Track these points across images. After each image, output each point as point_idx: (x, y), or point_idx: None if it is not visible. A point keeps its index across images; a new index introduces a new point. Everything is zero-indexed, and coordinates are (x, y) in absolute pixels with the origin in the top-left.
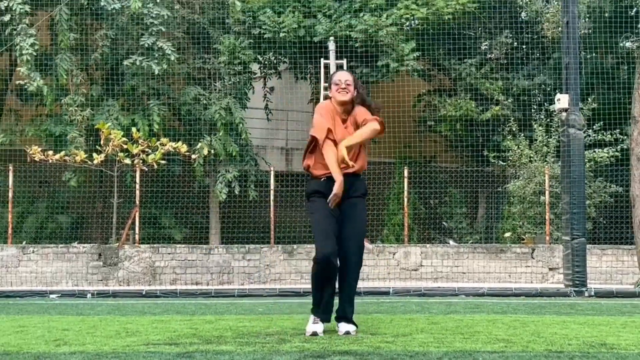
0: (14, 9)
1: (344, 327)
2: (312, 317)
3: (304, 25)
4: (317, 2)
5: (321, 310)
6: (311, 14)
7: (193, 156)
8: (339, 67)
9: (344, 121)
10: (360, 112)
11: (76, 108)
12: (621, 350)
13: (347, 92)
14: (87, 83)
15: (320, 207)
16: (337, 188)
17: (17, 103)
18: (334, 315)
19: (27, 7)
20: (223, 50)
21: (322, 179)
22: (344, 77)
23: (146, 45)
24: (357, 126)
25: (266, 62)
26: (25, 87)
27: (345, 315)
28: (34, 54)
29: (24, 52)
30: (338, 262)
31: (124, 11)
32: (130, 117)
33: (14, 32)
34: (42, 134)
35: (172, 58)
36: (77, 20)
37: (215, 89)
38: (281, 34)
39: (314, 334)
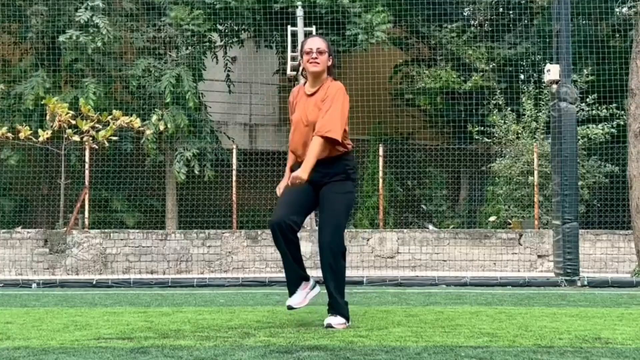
0: None
1: (327, 319)
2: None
3: None
4: None
5: (291, 282)
6: None
7: (147, 131)
8: (308, 34)
9: (309, 95)
10: (325, 107)
11: None
12: (617, 344)
13: (318, 63)
14: (9, 52)
15: (286, 187)
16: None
17: None
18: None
19: None
20: (171, 21)
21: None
22: (315, 44)
23: (81, 21)
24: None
25: (227, 30)
26: None
27: (332, 306)
28: None
29: None
30: (294, 227)
31: None
32: (73, 92)
33: None
34: None
35: (106, 38)
36: None
37: (169, 60)
38: (233, 3)
39: (289, 307)
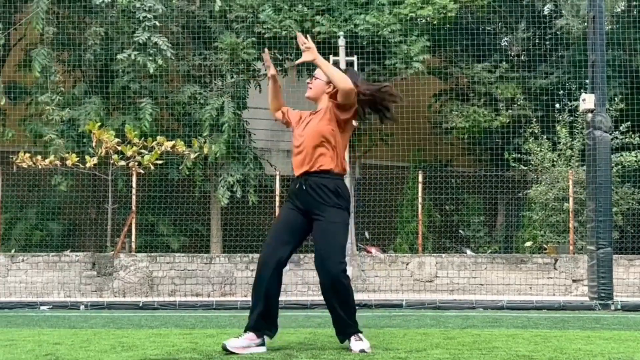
0: None
1: (356, 345)
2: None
3: (309, 20)
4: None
5: (252, 321)
6: (313, 9)
7: (192, 156)
8: (349, 65)
9: (314, 113)
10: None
11: (54, 107)
12: None
13: (310, 89)
14: (66, 80)
15: (282, 213)
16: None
17: (6, 103)
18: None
19: None
20: (224, 47)
21: (297, 180)
22: (316, 72)
23: (140, 41)
24: (334, 109)
25: (271, 60)
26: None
27: (352, 332)
28: None
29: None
30: (277, 270)
31: (115, 5)
32: (122, 118)
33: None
34: (29, 134)
35: (169, 54)
36: (64, 14)
37: (215, 88)
38: (283, 33)
39: (223, 347)
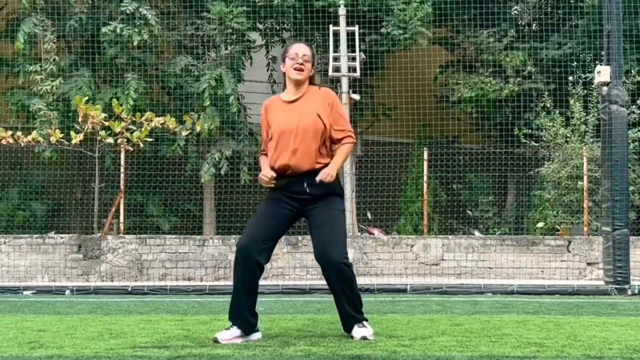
0: None
1: (358, 332)
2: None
3: None
4: None
5: (236, 315)
6: None
7: (183, 133)
8: (350, 35)
9: (291, 102)
10: (336, 114)
11: (43, 77)
12: None
13: (303, 70)
14: (56, 50)
15: (268, 202)
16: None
17: None
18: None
19: None
20: (213, 17)
21: (282, 176)
22: (301, 50)
23: (127, 11)
24: (329, 112)
25: (267, 30)
26: None
27: (357, 319)
28: None
29: None
30: (259, 260)
31: None
32: (112, 91)
33: None
34: (14, 107)
35: (155, 31)
36: None
37: (209, 59)
38: (277, 1)
39: (215, 340)
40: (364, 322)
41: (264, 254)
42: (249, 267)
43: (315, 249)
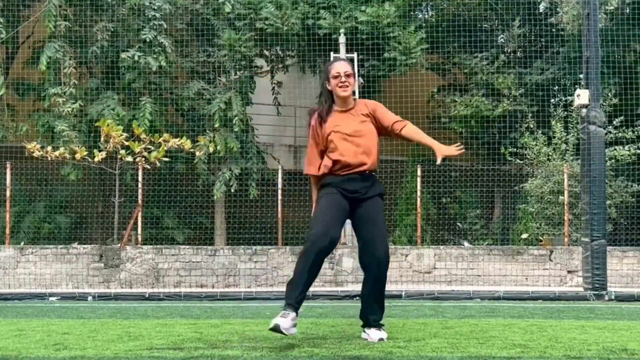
0: None
1: (376, 334)
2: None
3: (312, 17)
4: None
5: (293, 296)
6: (315, 6)
7: (197, 153)
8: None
9: (346, 110)
10: (384, 112)
11: (65, 99)
12: None
13: (348, 86)
14: (77, 74)
15: (328, 196)
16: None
17: (14, 98)
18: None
19: None
20: (223, 43)
21: (342, 175)
22: (343, 68)
23: (146, 39)
24: (373, 119)
25: (273, 56)
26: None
27: (377, 321)
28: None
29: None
30: (329, 250)
31: (124, 3)
32: (131, 113)
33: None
34: (41, 128)
35: (170, 59)
36: (75, 11)
37: (220, 84)
38: (285, 28)
39: (275, 328)
40: (382, 327)
41: (334, 243)
42: (320, 259)
43: (364, 243)
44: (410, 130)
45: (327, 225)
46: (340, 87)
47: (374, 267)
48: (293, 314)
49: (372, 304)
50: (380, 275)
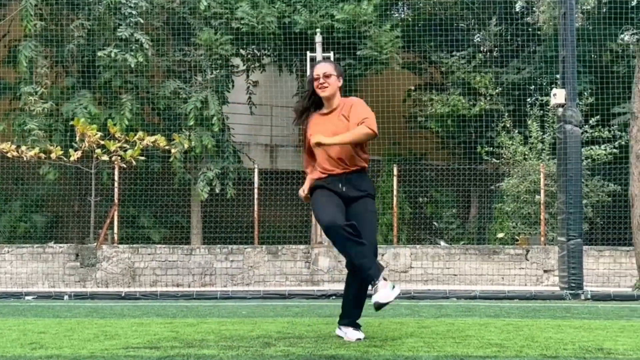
0: None
1: (353, 334)
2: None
3: (288, 16)
4: None
5: (375, 266)
6: (291, 5)
7: (172, 150)
8: (325, 60)
9: (326, 114)
10: (356, 110)
11: (36, 99)
12: (619, 355)
13: (327, 86)
14: (53, 73)
15: (324, 193)
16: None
17: None
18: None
19: None
20: (201, 44)
21: (324, 176)
22: (321, 70)
23: (123, 36)
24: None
25: (249, 56)
26: None
27: (357, 320)
28: None
29: None
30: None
31: (101, 1)
32: (107, 112)
33: None
34: (17, 128)
35: (149, 53)
36: (51, 10)
37: (196, 83)
38: (259, 27)
39: (379, 305)
40: (360, 327)
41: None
42: (345, 230)
43: None
44: (355, 130)
45: (333, 212)
46: (319, 88)
47: (363, 267)
48: (388, 283)
49: (355, 305)
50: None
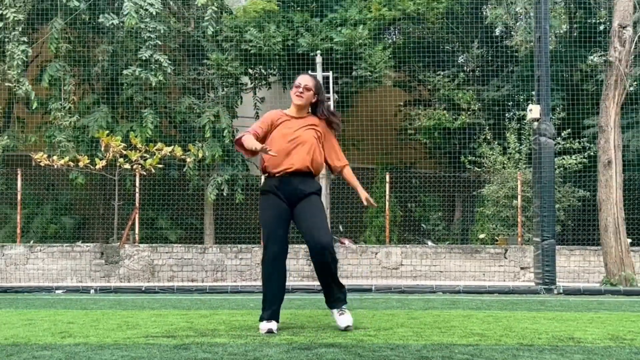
0: (7, 17)
1: (343, 320)
2: (264, 322)
3: (291, 38)
4: (299, 18)
5: (271, 311)
6: (294, 29)
7: (187, 159)
8: (325, 79)
9: (294, 118)
10: (335, 146)
11: (63, 114)
12: (588, 344)
13: (302, 97)
14: (80, 90)
15: (270, 207)
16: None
17: (24, 111)
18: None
19: (20, 16)
20: (211, 63)
21: (277, 175)
22: (304, 81)
23: (143, 57)
24: (322, 136)
25: (257, 74)
26: (15, 90)
27: (342, 301)
28: (24, 59)
29: (15, 57)
30: (284, 263)
31: (123, 26)
32: (128, 125)
33: (7, 39)
34: (47, 139)
35: (169, 70)
36: (78, 34)
37: (209, 99)
38: (265, 48)
39: (269, 330)
40: (344, 308)
41: (285, 252)
42: (279, 273)
43: (308, 235)
44: (349, 174)
45: (276, 244)
46: (296, 95)
47: (323, 252)
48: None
49: (331, 285)
50: (329, 261)
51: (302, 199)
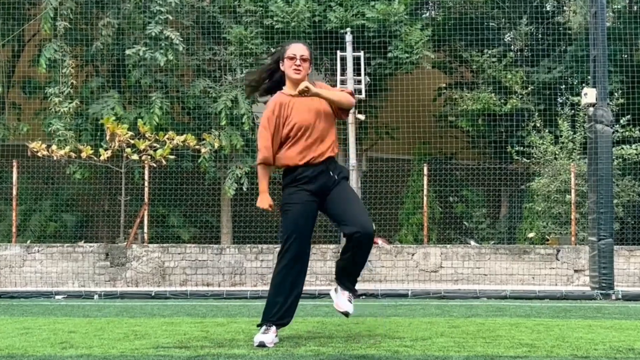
0: None
1: (344, 305)
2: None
3: (318, 14)
4: None
5: (278, 316)
6: (322, 4)
7: (202, 150)
8: (355, 59)
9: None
10: (332, 89)
11: (61, 99)
12: None
13: (300, 70)
14: (82, 73)
15: (298, 201)
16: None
17: (20, 96)
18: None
19: None
20: (232, 40)
21: (303, 165)
22: (299, 51)
23: (152, 34)
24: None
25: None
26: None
27: (352, 284)
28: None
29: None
30: (306, 265)
31: None
32: (136, 112)
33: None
34: (46, 128)
35: (180, 48)
36: (78, 9)
37: (226, 82)
38: (292, 24)
39: (261, 344)
40: (351, 296)
41: (308, 253)
42: (302, 267)
43: (349, 219)
44: (339, 92)
45: (302, 242)
46: (293, 69)
47: (365, 236)
48: (274, 328)
49: (353, 271)
50: (366, 245)
51: (336, 186)
